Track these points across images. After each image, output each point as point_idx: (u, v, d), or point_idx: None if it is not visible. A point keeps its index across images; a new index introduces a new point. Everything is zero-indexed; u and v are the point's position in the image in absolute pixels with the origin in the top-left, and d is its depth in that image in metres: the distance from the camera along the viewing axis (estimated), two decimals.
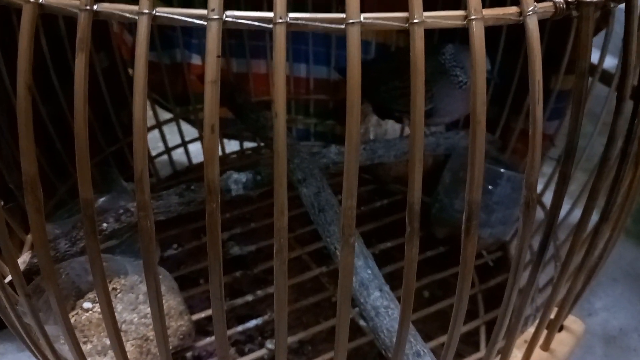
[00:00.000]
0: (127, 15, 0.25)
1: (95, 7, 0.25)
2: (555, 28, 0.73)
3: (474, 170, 0.27)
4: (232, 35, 0.89)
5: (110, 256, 0.58)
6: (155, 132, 0.87)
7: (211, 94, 0.25)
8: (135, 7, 0.25)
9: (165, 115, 0.90)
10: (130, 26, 0.84)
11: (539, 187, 0.78)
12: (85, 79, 0.26)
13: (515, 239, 0.78)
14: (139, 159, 0.25)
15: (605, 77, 0.75)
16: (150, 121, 0.88)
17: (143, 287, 0.60)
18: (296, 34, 0.91)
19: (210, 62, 0.25)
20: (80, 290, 0.61)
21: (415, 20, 0.26)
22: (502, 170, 0.71)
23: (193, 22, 0.24)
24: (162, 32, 0.87)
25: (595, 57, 0.73)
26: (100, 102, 0.78)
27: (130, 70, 0.89)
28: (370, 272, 0.49)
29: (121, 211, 0.59)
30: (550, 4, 0.28)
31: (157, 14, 0.25)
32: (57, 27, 0.68)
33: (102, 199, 0.68)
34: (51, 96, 0.68)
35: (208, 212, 0.26)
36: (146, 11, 0.25)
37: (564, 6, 0.28)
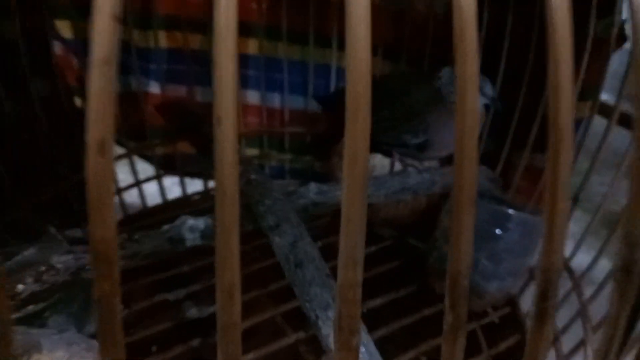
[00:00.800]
0: None
1: None
2: None
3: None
4: (197, 61, 0.79)
5: (24, 329, 0.44)
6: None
7: (101, 81, 0.13)
8: None
9: (117, 150, 0.78)
10: (78, 47, 0.72)
11: (568, 249, 0.68)
12: None
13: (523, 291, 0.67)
14: None
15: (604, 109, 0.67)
16: None
17: None
18: (270, 61, 0.81)
19: (101, 25, 0.13)
20: None
21: None
22: (510, 211, 0.61)
23: None
24: None
25: None
26: (39, 134, 0.66)
27: (77, 99, 0.77)
28: (364, 350, 0.37)
29: (43, 268, 0.46)
30: None
31: None
32: None
33: (27, 252, 0.55)
34: None
35: (99, 300, 0.15)
36: None
37: None
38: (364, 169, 0.15)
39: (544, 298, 0.18)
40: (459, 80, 0.15)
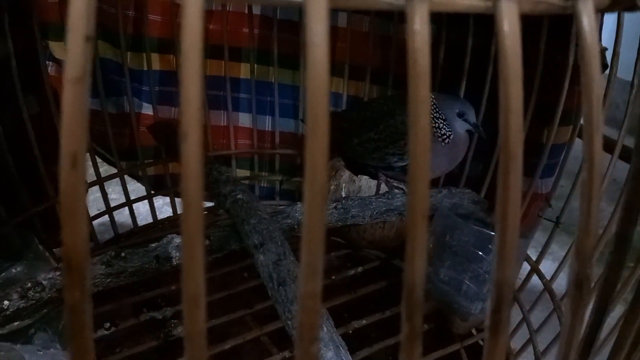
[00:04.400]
0: None
1: None
2: (547, 77, 0.66)
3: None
4: None
5: (9, 345, 0.45)
6: (96, 189, 0.76)
7: (74, 98, 0.14)
8: None
9: (109, 169, 0.79)
10: None
11: (533, 255, 0.68)
12: None
13: None
14: None
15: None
16: (91, 177, 0.76)
17: None
18: (261, 84, 0.83)
19: (74, 45, 0.14)
20: None
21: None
22: (493, 233, 0.61)
23: None
24: (107, 77, 0.77)
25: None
26: (28, 153, 0.67)
27: (61, 124, 0.78)
28: None
29: (28, 285, 0.47)
30: None
31: None
32: None
33: (14, 269, 0.55)
34: None
35: (69, 308, 0.15)
36: None
37: None
38: (323, 183, 0.16)
39: (498, 310, 0.19)
40: (411, 102, 0.16)
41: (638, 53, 0.54)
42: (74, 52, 0.14)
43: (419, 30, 0.16)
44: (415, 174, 0.17)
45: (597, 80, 0.19)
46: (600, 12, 0.20)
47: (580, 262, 0.20)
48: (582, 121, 0.20)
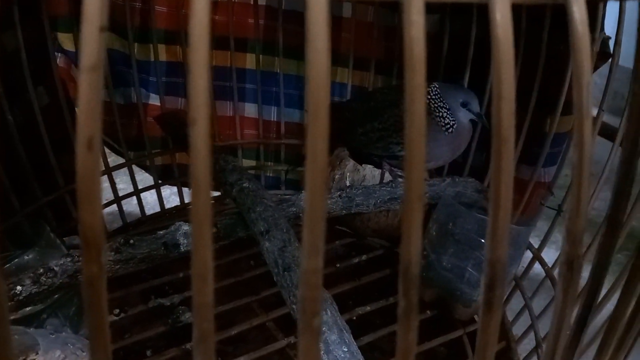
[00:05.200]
0: None
1: None
2: (549, 66, 0.67)
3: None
4: None
5: (22, 329, 0.46)
6: (104, 178, 0.77)
7: (89, 86, 0.15)
8: None
9: (116, 159, 0.81)
10: (79, 60, 0.75)
11: (535, 243, 0.69)
12: None
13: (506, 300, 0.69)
14: None
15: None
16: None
17: None
18: (267, 75, 0.83)
19: (89, 35, 0.15)
20: None
21: None
22: None
23: None
24: (115, 69, 0.78)
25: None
26: (38, 143, 0.68)
27: (77, 110, 0.79)
28: (346, 349, 0.39)
29: (41, 271, 0.48)
30: None
31: None
32: None
33: (27, 256, 0.56)
34: None
35: (86, 281, 0.16)
36: None
37: None
38: (324, 166, 0.17)
39: (492, 288, 0.20)
40: (407, 88, 0.17)
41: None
42: (89, 42, 0.15)
43: (415, 20, 0.17)
44: (411, 157, 0.18)
45: (587, 68, 0.19)
46: (592, 2, 0.20)
47: (571, 243, 0.21)
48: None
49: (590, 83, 0.19)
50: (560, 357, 0.23)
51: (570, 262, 0.21)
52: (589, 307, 0.24)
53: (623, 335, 0.30)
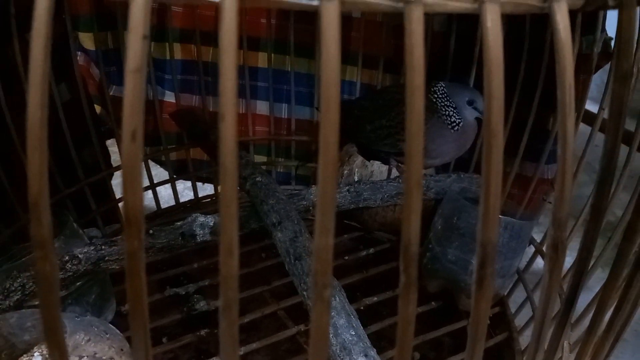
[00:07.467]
0: None
1: None
2: (552, 66, 0.68)
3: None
4: (208, 72, 0.84)
5: None
6: (121, 173, 0.80)
7: (134, 86, 0.18)
8: None
9: None
10: (99, 58, 0.78)
11: (538, 238, 0.71)
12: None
13: (508, 291, 0.71)
14: (34, 175, 0.18)
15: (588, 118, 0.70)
16: (115, 162, 0.81)
17: (90, 348, 0.51)
18: (278, 73, 0.86)
19: (134, 42, 0.18)
20: (15, 348, 0.52)
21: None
22: (501, 216, 0.64)
23: None
24: None
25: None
26: (60, 138, 0.71)
27: (96, 107, 0.82)
28: (354, 332, 0.42)
29: (66, 258, 0.51)
30: None
31: None
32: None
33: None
34: None
35: (128, 254, 0.19)
36: None
37: None
38: (335, 157, 0.19)
39: (483, 266, 0.22)
40: (408, 88, 0.20)
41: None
42: (133, 48, 0.18)
43: (415, 29, 0.20)
44: (410, 148, 0.20)
45: (569, 70, 0.22)
46: (575, 11, 0.23)
47: (557, 227, 0.23)
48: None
49: (572, 84, 0.22)
50: (547, 329, 0.25)
51: (555, 245, 0.23)
52: (577, 287, 0.27)
53: (612, 318, 0.32)
